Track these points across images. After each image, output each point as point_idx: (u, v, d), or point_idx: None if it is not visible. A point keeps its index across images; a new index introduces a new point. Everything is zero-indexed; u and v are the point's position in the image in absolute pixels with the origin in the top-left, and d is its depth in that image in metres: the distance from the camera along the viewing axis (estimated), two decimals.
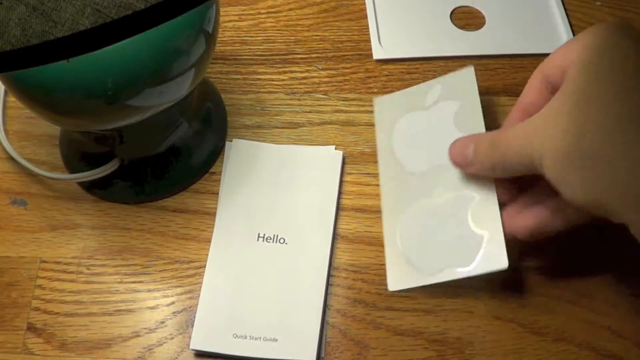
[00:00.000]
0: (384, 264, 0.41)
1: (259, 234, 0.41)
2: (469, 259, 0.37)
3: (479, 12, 0.52)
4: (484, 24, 0.51)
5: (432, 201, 0.40)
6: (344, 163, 0.45)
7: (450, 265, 0.38)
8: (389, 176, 0.43)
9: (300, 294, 0.39)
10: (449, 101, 0.43)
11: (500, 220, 0.38)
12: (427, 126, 0.43)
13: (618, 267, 0.41)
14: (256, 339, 0.38)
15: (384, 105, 0.46)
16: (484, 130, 0.40)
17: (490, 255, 0.37)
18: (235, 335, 0.38)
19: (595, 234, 0.42)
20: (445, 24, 0.51)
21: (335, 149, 0.45)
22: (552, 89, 0.36)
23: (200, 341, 0.38)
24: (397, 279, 0.39)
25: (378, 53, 0.49)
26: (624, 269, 0.41)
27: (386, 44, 0.50)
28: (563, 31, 0.50)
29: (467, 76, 0.43)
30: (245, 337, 0.38)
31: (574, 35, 0.50)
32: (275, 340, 0.38)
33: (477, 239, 0.38)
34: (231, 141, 0.45)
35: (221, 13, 0.44)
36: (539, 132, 0.33)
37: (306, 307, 0.39)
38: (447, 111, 0.42)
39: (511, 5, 0.52)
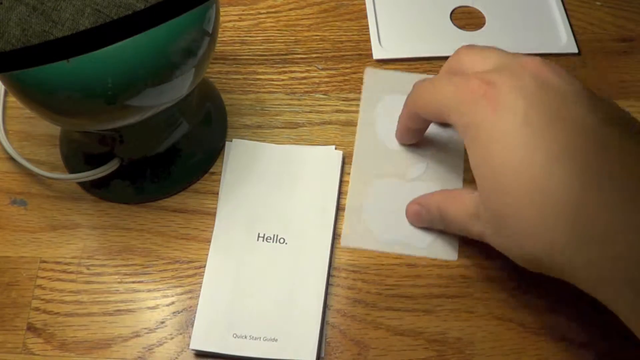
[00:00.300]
0: (384, 264, 0.41)
1: (259, 234, 0.41)
2: (424, 240, 0.42)
3: (479, 12, 0.52)
4: (484, 23, 0.51)
5: (403, 180, 0.44)
6: (344, 163, 0.45)
7: (406, 241, 0.42)
8: (364, 143, 0.45)
9: (300, 293, 0.39)
10: None
11: None
12: None
13: None
14: (256, 339, 0.38)
15: (374, 78, 0.48)
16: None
17: (443, 244, 0.42)
18: (235, 335, 0.38)
19: None
20: (445, 24, 0.51)
21: (335, 149, 0.45)
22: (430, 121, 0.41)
23: (200, 341, 0.38)
24: (352, 238, 0.42)
25: (378, 53, 0.49)
26: None
27: (386, 44, 0.50)
28: (563, 31, 0.50)
29: None
30: (245, 337, 0.38)
31: (573, 35, 0.50)
32: (275, 340, 0.38)
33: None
34: (231, 141, 0.45)
35: (221, 13, 0.44)
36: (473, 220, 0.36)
37: (306, 307, 0.39)
38: None
39: (511, 5, 0.52)
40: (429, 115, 0.38)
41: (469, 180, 0.44)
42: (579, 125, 0.31)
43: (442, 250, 0.41)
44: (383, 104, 0.47)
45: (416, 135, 0.43)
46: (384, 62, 0.49)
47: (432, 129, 0.45)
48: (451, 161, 0.44)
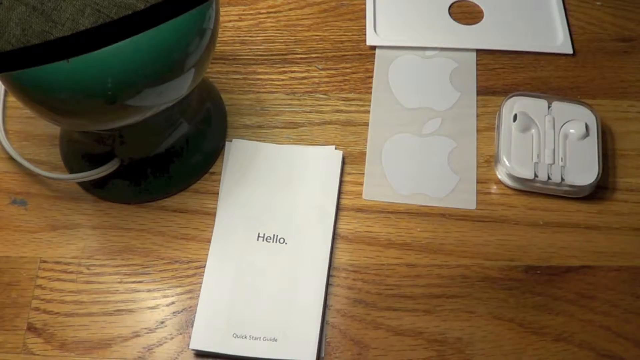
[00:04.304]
0: (384, 264, 0.41)
1: (258, 234, 0.41)
2: (442, 191, 0.43)
3: (477, 7, 0.52)
4: (481, 18, 0.51)
5: (419, 136, 0.46)
6: (344, 163, 0.45)
7: (424, 191, 0.43)
8: (380, 103, 0.47)
9: (300, 293, 0.39)
10: (448, 59, 0.49)
11: (475, 168, 0.44)
12: (424, 73, 0.49)
13: (618, 267, 0.41)
14: (256, 339, 0.38)
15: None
16: (474, 87, 0.48)
17: (462, 195, 0.43)
18: (235, 335, 0.38)
19: (595, 234, 0.42)
20: (443, 17, 0.51)
21: (335, 149, 0.45)
22: None
23: (200, 341, 0.38)
24: (373, 192, 0.43)
25: (372, 40, 0.50)
26: (624, 269, 0.41)
27: (381, 31, 0.50)
28: (560, 32, 0.50)
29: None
30: (245, 337, 0.38)
31: (570, 36, 0.50)
32: (275, 340, 0.38)
33: (451, 178, 0.44)
34: (231, 141, 0.45)
35: (221, 13, 0.44)
36: None
37: (306, 307, 0.39)
38: (445, 67, 0.49)
39: (512, 3, 0.52)
40: None
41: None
42: None
43: (460, 200, 0.43)
44: (397, 63, 0.49)
45: None
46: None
47: (444, 87, 0.47)
48: (464, 116, 0.46)
